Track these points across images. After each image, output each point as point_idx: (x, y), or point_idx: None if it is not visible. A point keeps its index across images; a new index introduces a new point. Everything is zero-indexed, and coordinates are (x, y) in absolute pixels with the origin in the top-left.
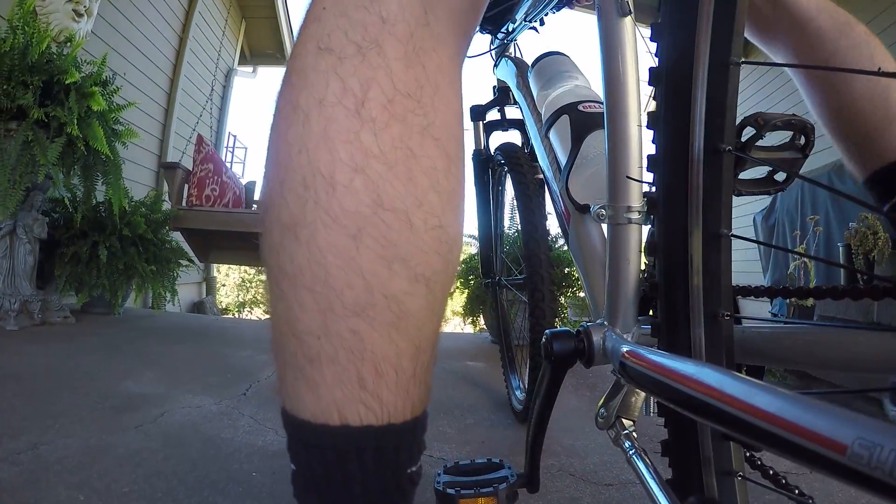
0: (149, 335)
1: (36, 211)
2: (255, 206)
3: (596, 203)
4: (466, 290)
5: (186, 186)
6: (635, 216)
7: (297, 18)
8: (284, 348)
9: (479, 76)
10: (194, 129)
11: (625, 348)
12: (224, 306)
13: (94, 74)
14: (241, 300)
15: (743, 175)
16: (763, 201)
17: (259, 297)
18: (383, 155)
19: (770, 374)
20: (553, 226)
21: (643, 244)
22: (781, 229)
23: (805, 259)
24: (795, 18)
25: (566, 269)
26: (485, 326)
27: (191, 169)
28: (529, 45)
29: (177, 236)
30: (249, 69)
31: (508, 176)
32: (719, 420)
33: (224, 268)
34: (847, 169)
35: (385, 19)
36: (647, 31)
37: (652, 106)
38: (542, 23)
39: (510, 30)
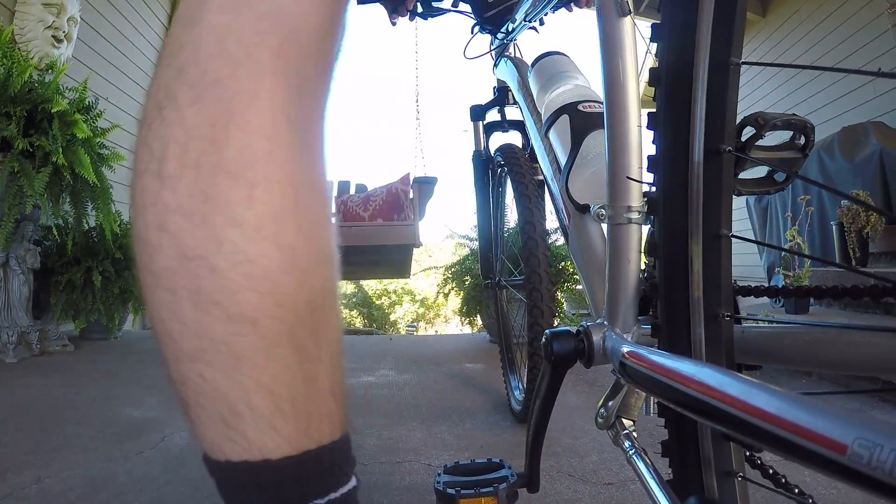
0: (148, 358)
1: (27, 241)
2: None
3: (596, 203)
4: (462, 292)
5: None
6: (635, 216)
7: None
8: None
9: (478, 76)
10: None
11: (625, 348)
12: None
13: (76, 101)
14: None
15: (743, 175)
16: None
17: None
18: (181, 207)
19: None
20: (550, 223)
21: (643, 244)
22: (774, 211)
23: (798, 240)
24: None
25: (560, 265)
26: (483, 326)
27: None
28: (529, 45)
29: None
30: None
31: (508, 177)
32: (719, 420)
33: None
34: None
35: (180, 68)
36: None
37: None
38: (541, 23)
39: (510, 30)
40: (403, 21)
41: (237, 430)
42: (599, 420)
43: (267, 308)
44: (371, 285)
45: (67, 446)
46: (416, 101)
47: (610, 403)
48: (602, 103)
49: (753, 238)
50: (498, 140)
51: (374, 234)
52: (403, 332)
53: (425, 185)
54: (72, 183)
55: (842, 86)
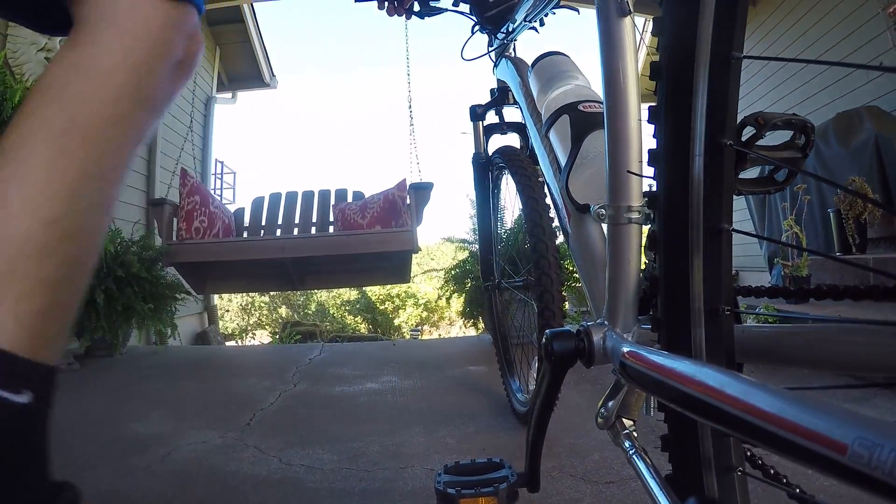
0: (153, 374)
1: None
2: (245, 233)
3: (596, 203)
4: (463, 294)
5: (175, 221)
6: (635, 216)
7: (271, 41)
8: None
9: (479, 76)
10: (178, 161)
11: (625, 348)
12: (230, 331)
13: None
14: (245, 324)
15: (743, 175)
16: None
17: (263, 320)
18: None
19: None
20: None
21: (643, 244)
22: (773, 201)
23: (796, 229)
24: None
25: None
26: (485, 328)
27: (178, 203)
28: (529, 45)
29: (172, 270)
30: (228, 95)
31: (507, 178)
32: (719, 420)
33: (226, 294)
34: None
35: None
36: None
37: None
38: (541, 23)
39: (510, 30)
40: (397, 23)
41: None
42: (599, 420)
43: None
44: (374, 290)
45: (75, 463)
46: (409, 106)
47: (610, 403)
48: (602, 103)
49: (753, 229)
50: (497, 142)
51: (373, 241)
52: (408, 337)
53: (421, 191)
54: None
55: (833, 73)
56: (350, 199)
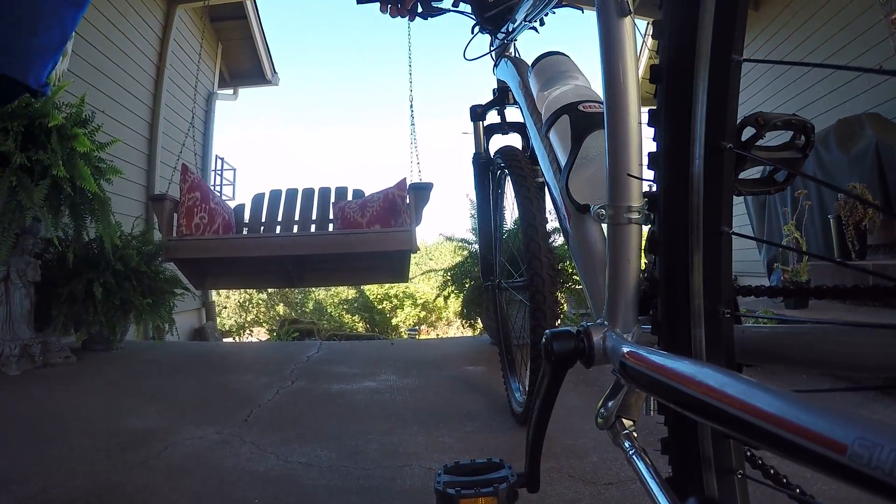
0: (150, 368)
1: (28, 255)
2: (245, 229)
3: (596, 203)
4: (462, 295)
5: (175, 216)
6: (635, 216)
7: (273, 37)
8: None
9: (478, 77)
10: (179, 157)
11: (625, 348)
12: (227, 328)
13: (73, 115)
14: (243, 321)
15: (743, 175)
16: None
17: (261, 317)
18: None
19: None
20: (551, 223)
21: (643, 244)
22: (773, 206)
23: (796, 234)
24: None
25: (560, 265)
26: (483, 328)
27: (178, 199)
28: (529, 45)
29: (171, 265)
30: (230, 91)
31: (508, 179)
32: (719, 420)
33: (224, 290)
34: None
35: None
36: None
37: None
38: (542, 23)
39: (510, 30)
40: (400, 22)
41: None
42: (599, 420)
43: None
44: (372, 290)
45: (71, 457)
46: (411, 105)
47: (610, 403)
48: (602, 103)
49: (752, 234)
50: (498, 142)
51: (372, 240)
52: (405, 336)
53: (421, 191)
54: (72, 195)
55: (835, 79)
56: (350, 198)
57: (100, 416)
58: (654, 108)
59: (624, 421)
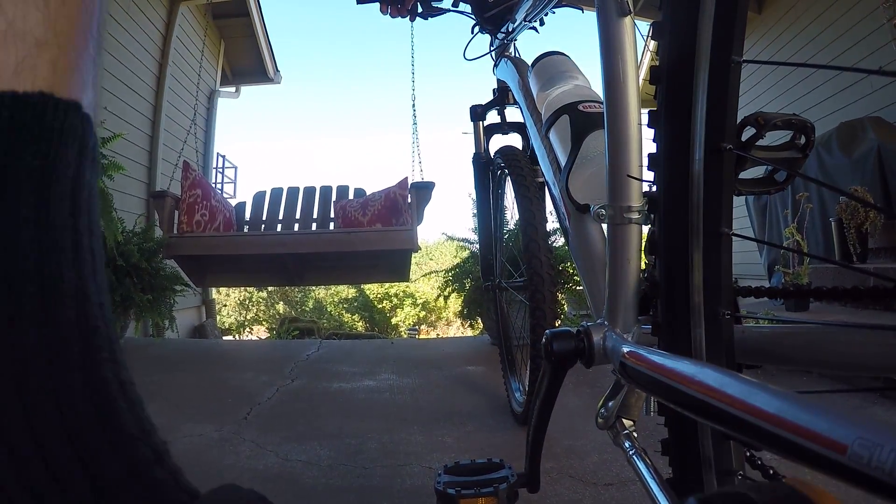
0: (149, 365)
1: None
2: (245, 227)
3: (596, 203)
4: (462, 295)
5: (176, 213)
6: (635, 216)
7: (275, 36)
8: None
9: (478, 77)
10: (180, 154)
11: (625, 348)
12: (227, 326)
13: None
14: (243, 319)
15: (743, 175)
16: None
17: (260, 315)
18: None
19: None
20: (551, 223)
21: (643, 244)
22: (774, 209)
23: (797, 237)
24: None
25: (560, 266)
26: (483, 328)
27: (180, 196)
28: (529, 45)
29: (171, 262)
30: (232, 89)
31: (509, 179)
32: (719, 420)
33: (224, 288)
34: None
35: None
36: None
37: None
38: (542, 23)
39: (510, 30)
40: (402, 21)
41: None
42: (599, 420)
43: None
44: (372, 289)
45: None
46: (413, 105)
47: (610, 404)
48: (602, 103)
49: (753, 235)
50: (498, 142)
51: (373, 239)
52: (405, 336)
53: (423, 190)
54: None
55: (838, 82)
56: (351, 197)
57: None
58: (654, 109)
59: (624, 421)
